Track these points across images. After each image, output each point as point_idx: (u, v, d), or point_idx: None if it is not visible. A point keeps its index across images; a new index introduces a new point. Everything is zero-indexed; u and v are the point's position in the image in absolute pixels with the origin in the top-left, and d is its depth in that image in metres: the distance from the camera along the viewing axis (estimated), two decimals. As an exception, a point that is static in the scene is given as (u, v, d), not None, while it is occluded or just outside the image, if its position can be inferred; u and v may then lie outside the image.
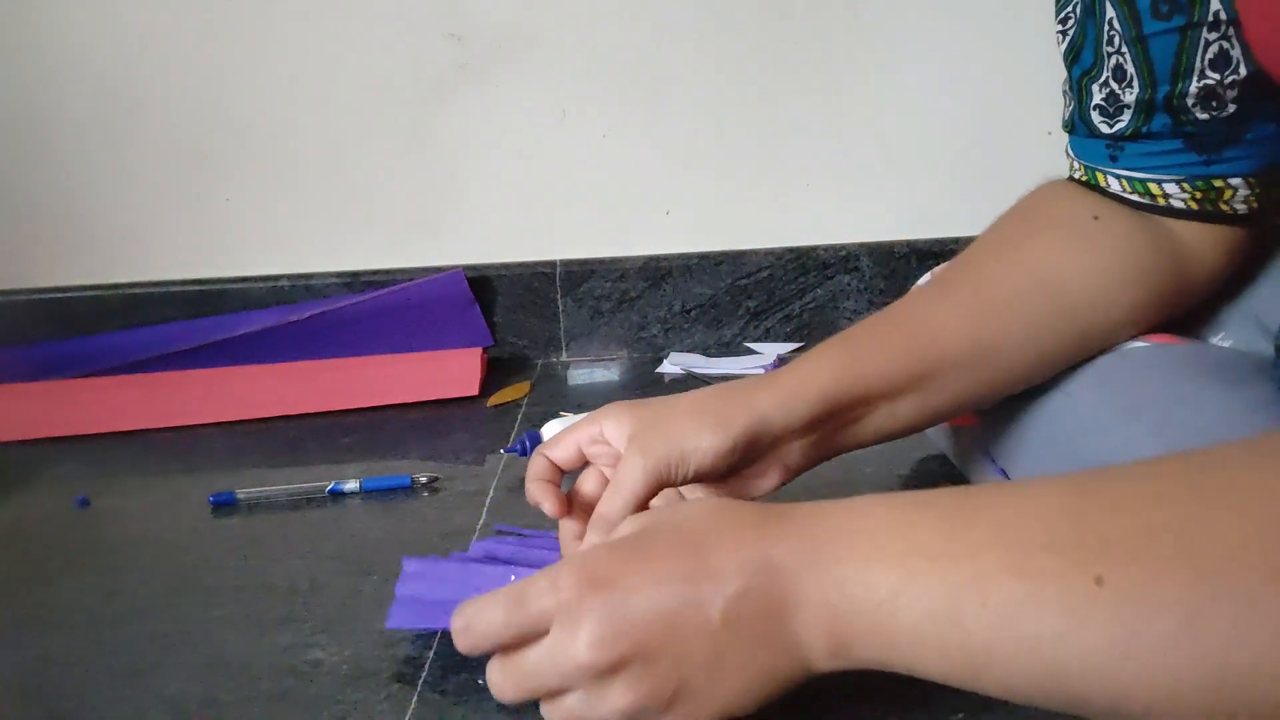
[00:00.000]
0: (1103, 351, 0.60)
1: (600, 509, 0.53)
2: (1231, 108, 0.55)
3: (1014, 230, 0.62)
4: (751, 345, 1.10)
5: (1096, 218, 0.60)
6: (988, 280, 0.60)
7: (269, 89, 1.06)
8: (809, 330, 1.11)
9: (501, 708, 0.53)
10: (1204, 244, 0.60)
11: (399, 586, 0.59)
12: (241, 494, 0.79)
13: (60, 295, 1.11)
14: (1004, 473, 0.62)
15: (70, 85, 1.06)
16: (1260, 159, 0.58)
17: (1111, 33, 0.56)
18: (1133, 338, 0.60)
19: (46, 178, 1.09)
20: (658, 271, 1.09)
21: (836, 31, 1.05)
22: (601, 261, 1.09)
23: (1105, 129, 0.59)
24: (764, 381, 0.56)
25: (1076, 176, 0.63)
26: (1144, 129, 0.58)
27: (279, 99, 1.07)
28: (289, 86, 1.06)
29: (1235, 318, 0.63)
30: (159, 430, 0.96)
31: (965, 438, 0.67)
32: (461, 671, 0.57)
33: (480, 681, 0.56)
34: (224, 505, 0.79)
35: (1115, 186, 0.61)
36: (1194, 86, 0.55)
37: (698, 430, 0.53)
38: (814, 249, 1.09)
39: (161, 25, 1.05)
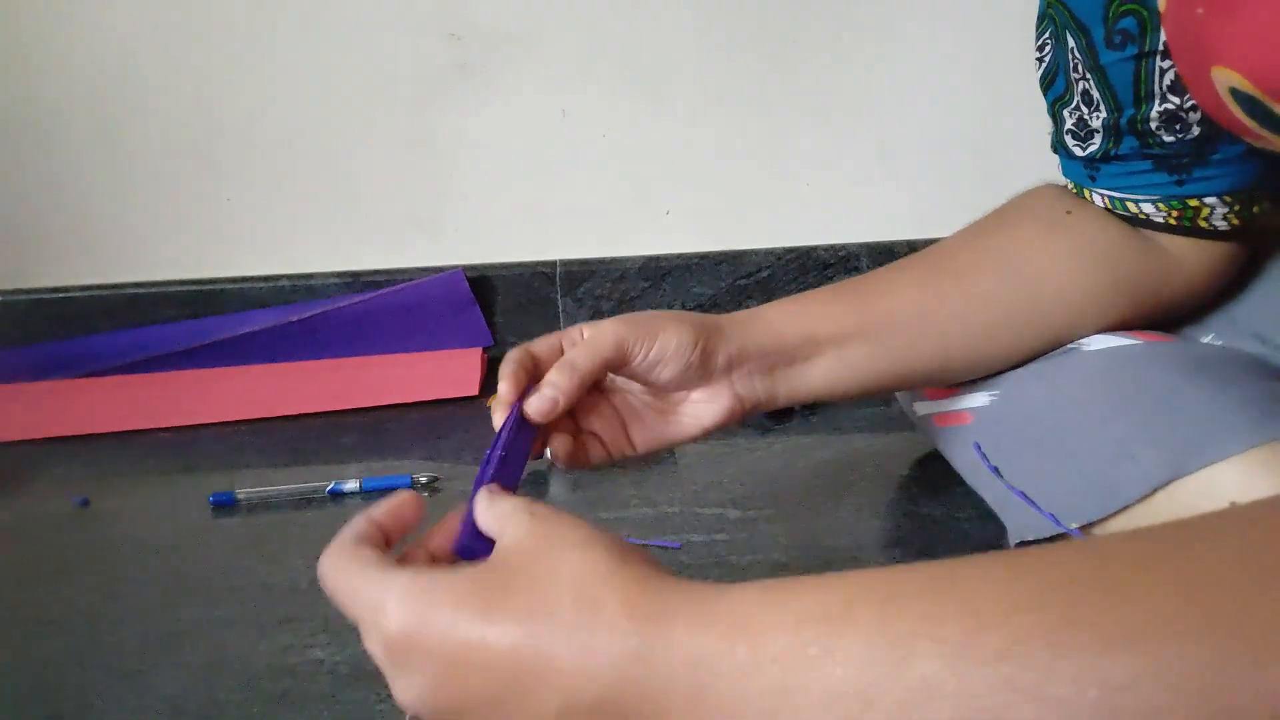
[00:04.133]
0: (1069, 342, 0.61)
1: (569, 355, 0.55)
2: (1196, 130, 0.57)
3: (988, 221, 0.64)
4: (751, 345, 1.10)
5: (1069, 213, 0.61)
6: (946, 255, 0.62)
7: (269, 89, 1.06)
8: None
9: (501, 708, 0.53)
10: (1187, 254, 0.61)
11: None
12: (241, 494, 0.79)
13: (60, 295, 1.11)
14: (996, 470, 0.62)
15: (70, 85, 1.06)
16: (1231, 178, 0.59)
17: (1075, 60, 0.58)
18: (1106, 330, 0.61)
19: (46, 178, 1.09)
20: (658, 271, 1.09)
21: (836, 31, 1.05)
22: (601, 261, 1.09)
23: (1079, 151, 0.61)
24: (727, 316, 0.59)
25: (1069, 187, 0.65)
26: (1114, 151, 0.59)
27: (279, 99, 1.07)
28: (289, 86, 1.06)
29: (1220, 322, 0.64)
30: (159, 430, 0.96)
31: (959, 435, 0.67)
32: (461, 671, 0.57)
33: (480, 681, 0.56)
34: (224, 505, 0.79)
35: (1099, 202, 0.62)
36: (1155, 110, 0.56)
37: (667, 322, 0.56)
38: (814, 249, 1.09)
39: (161, 25, 1.05)
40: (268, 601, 0.65)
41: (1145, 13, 0.54)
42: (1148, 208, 0.60)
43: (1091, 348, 0.61)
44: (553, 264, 1.10)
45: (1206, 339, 0.64)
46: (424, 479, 0.80)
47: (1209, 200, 0.59)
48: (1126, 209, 0.61)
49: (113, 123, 1.07)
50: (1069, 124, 0.61)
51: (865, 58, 1.05)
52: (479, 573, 0.37)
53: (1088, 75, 0.58)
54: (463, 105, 1.07)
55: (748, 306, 1.08)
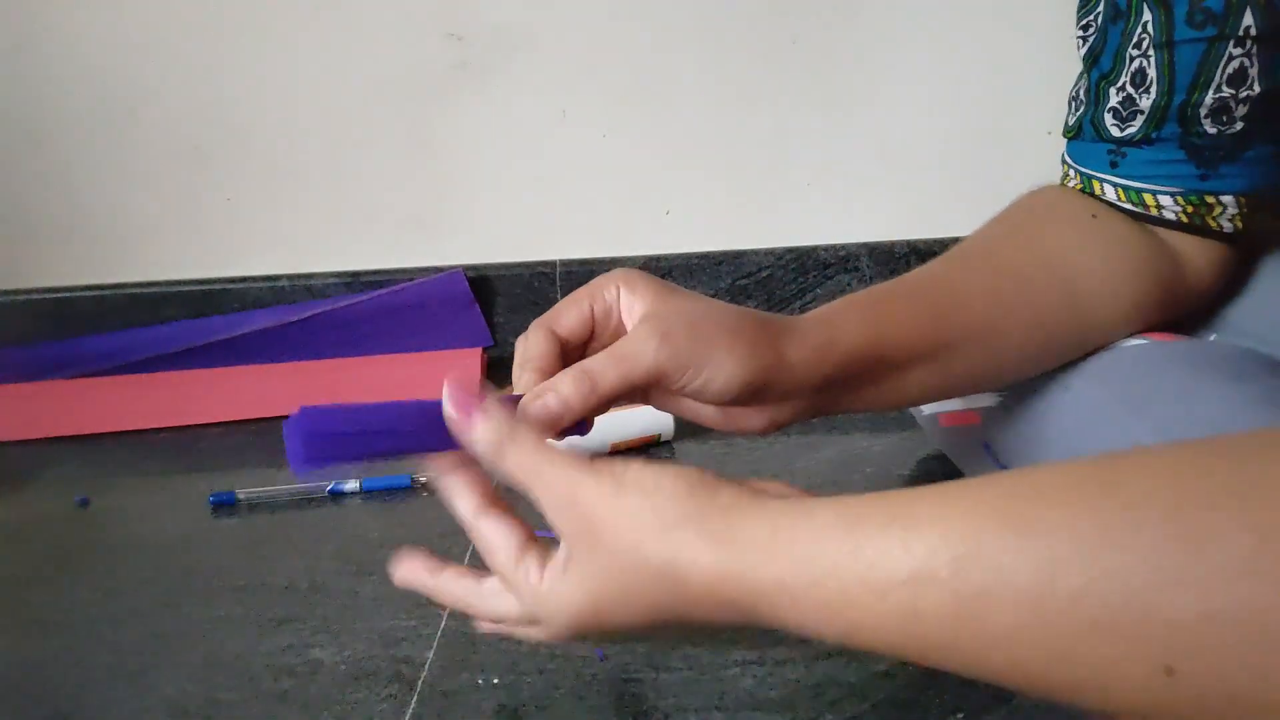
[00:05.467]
0: (1100, 348, 0.60)
1: (593, 366, 0.47)
2: (1239, 124, 0.57)
3: (1023, 220, 0.62)
4: (751, 345, 1.10)
5: (1095, 216, 0.61)
6: (1004, 259, 0.59)
7: (269, 89, 1.06)
8: (809, 330, 1.10)
9: (500, 708, 0.53)
10: (1195, 255, 0.61)
11: (288, 426, 0.45)
12: (241, 494, 0.79)
13: (60, 295, 1.11)
14: (1005, 469, 0.62)
15: (70, 85, 1.06)
16: (1253, 179, 0.59)
17: (1142, 35, 0.57)
18: (1130, 335, 0.61)
19: (46, 178, 1.09)
20: (658, 271, 1.09)
21: (836, 31, 1.05)
22: (601, 261, 1.09)
23: (1116, 131, 0.60)
24: (793, 328, 0.51)
25: (1071, 184, 0.64)
26: (1153, 134, 0.58)
27: (279, 99, 1.07)
28: (289, 86, 1.06)
29: (1220, 326, 0.64)
30: (159, 430, 0.96)
31: (965, 435, 0.67)
32: (462, 671, 0.57)
33: (480, 681, 0.56)
34: (224, 505, 0.79)
35: (1110, 194, 0.61)
36: (1209, 98, 0.56)
37: (728, 351, 0.48)
38: (814, 249, 1.09)
39: (162, 25, 1.05)
40: (268, 601, 0.65)
41: None
42: (1164, 200, 0.59)
43: None
44: (553, 264, 1.10)
45: (1211, 339, 0.64)
46: (424, 479, 0.80)
47: (1225, 199, 0.59)
48: (1142, 200, 0.60)
49: (113, 122, 1.07)
50: (1113, 102, 0.59)
51: (865, 58, 1.05)
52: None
53: (1150, 52, 0.57)
54: (463, 105, 1.07)
55: (748, 306, 1.10)
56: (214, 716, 0.54)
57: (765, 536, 0.37)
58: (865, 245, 1.09)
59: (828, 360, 0.51)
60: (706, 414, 0.52)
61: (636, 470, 0.40)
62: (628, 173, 1.09)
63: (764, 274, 1.09)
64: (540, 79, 1.06)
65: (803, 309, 1.10)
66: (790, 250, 1.09)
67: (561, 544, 0.42)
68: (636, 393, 0.48)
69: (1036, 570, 0.31)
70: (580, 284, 1.01)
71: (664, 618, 0.40)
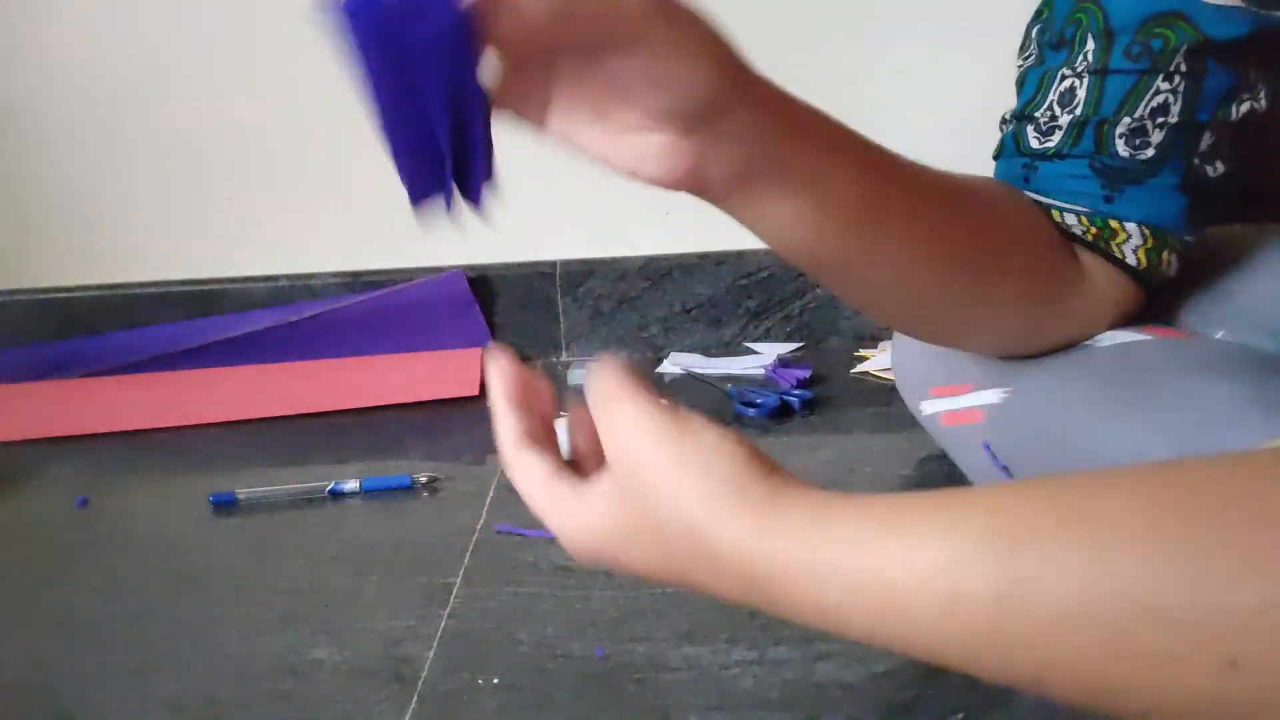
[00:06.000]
0: (1094, 341, 0.61)
1: None
2: (1151, 151, 0.58)
3: (976, 179, 0.64)
4: (751, 345, 1.10)
5: (1026, 197, 0.62)
6: (944, 178, 0.61)
7: (269, 89, 1.06)
8: (809, 330, 1.11)
9: (500, 708, 0.54)
10: (1098, 275, 0.61)
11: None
12: (241, 494, 0.79)
13: (60, 295, 1.11)
14: (1005, 469, 0.62)
15: (70, 85, 1.06)
16: (1153, 208, 0.60)
17: (1080, 61, 0.60)
18: (1010, 326, 0.61)
19: (47, 178, 1.09)
20: (658, 271, 1.09)
21: (836, 31, 1.05)
22: (601, 261, 1.09)
23: (1035, 144, 0.62)
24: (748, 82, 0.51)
25: None
26: (1066, 150, 0.60)
27: (279, 99, 1.07)
28: (289, 86, 1.06)
29: (1232, 318, 0.64)
30: (159, 430, 0.96)
31: (967, 435, 0.67)
32: (462, 671, 0.57)
33: (480, 681, 0.56)
34: (224, 505, 0.79)
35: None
36: (1129, 119, 0.58)
37: (689, 48, 0.47)
38: (814, 249, 1.09)
39: (162, 25, 1.05)
40: (268, 601, 0.65)
41: (1173, 39, 0.56)
42: (1070, 218, 0.61)
43: (1104, 344, 0.61)
44: (553, 264, 1.10)
45: (1218, 335, 0.64)
46: (424, 479, 0.80)
47: (1129, 226, 0.60)
48: (1050, 215, 0.61)
49: (113, 123, 1.07)
50: (1039, 119, 0.62)
51: (865, 57, 1.05)
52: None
53: (1084, 75, 0.59)
54: (463, 105, 1.07)
55: (748, 307, 1.10)
56: (214, 716, 0.54)
57: (805, 518, 0.36)
58: (865, 245, 1.09)
59: (780, 125, 0.52)
60: (620, 132, 0.48)
61: (700, 424, 0.40)
62: (628, 173, 1.09)
63: (764, 274, 1.09)
64: (540, 79, 1.06)
65: (802, 309, 1.10)
66: (790, 250, 1.09)
67: (604, 470, 0.42)
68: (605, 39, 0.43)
69: (1088, 556, 0.30)
70: (580, 284, 1.03)
71: (677, 571, 0.40)
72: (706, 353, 1.10)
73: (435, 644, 0.59)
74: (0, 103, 1.07)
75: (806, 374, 0.99)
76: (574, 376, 1.07)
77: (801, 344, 1.10)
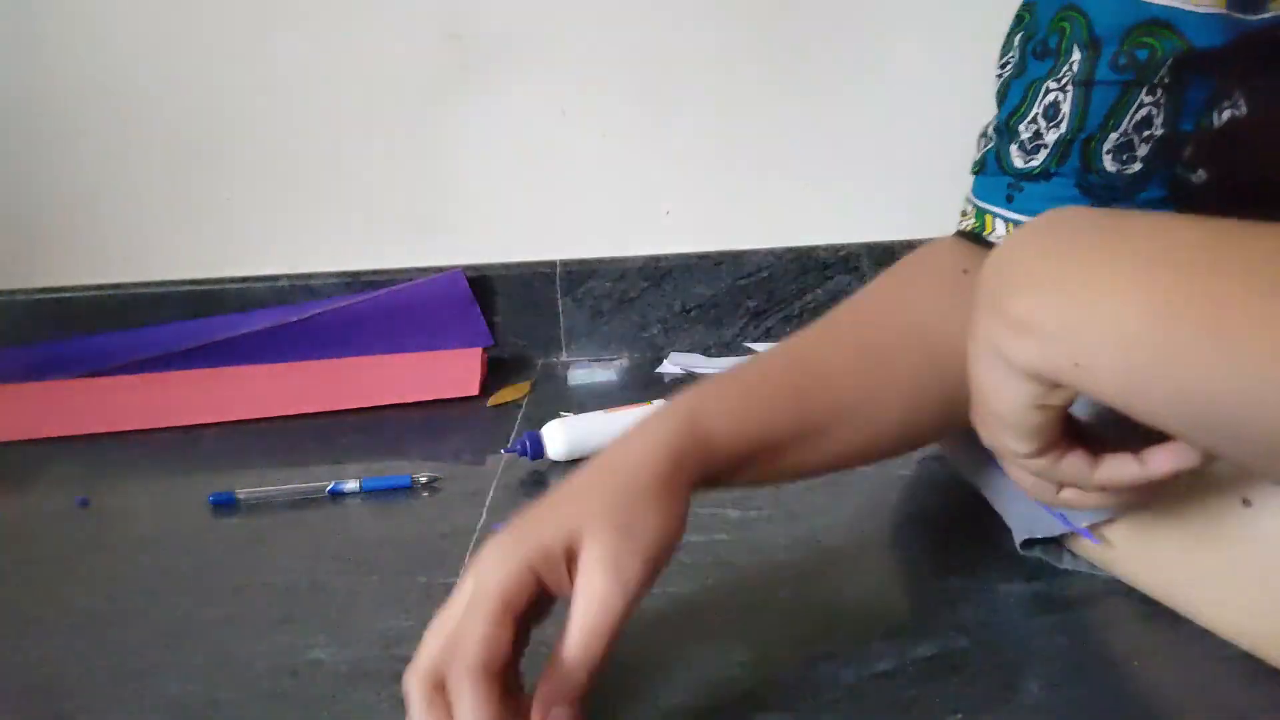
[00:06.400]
0: None
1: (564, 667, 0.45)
2: (1138, 165, 0.58)
3: (895, 280, 0.64)
4: (751, 345, 1.10)
5: (966, 271, 0.61)
6: (871, 334, 0.60)
7: (269, 89, 1.06)
8: (809, 330, 1.11)
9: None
10: None
11: None
12: (241, 494, 0.79)
13: (60, 295, 1.11)
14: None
15: (70, 85, 1.06)
16: None
17: (1065, 73, 0.59)
18: None
19: (47, 177, 1.09)
20: (658, 271, 1.09)
21: (836, 31, 1.05)
22: (601, 261, 1.09)
23: (1019, 163, 0.61)
24: (673, 481, 0.50)
25: (964, 228, 0.65)
26: (1053, 169, 0.60)
27: (279, 99, 1.07)
28: (289, 86, 1.06)
29: None
30: (159, 430, 0.96)
31: (964, 433, 0.67)
32: (461, 671, 0.57)
33: (480, 681, 0.56)
34: (224, 505, 0.79)
35: (1000, 231, 0.62)
36: (1115, 136, 0.58)
37: (638, 569, 0.47)
38: (814, 249, 1.09)
39: (162, 25, 1.05)
40: (268, 601, 0.65)
41: (1160, 50, 0.55)
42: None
43: None
44: (553, 264, 1.10)
45: None
46: (424, 479, 0.80)
47: None
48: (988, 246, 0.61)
49: (113, 122, 1.07)
50: (1022, 135, 0.61)
51: (865, 57, 1.05)
52: None
53: (1069, 88, 0.59)
54: (463, 105, 1.07)
55: (748, 307, 1.10)
56: (214, 716, 0.54)
57: None
58: (865, 245, 1.09)
59: (709, 479, 0.52)
60: None
61: None
62: (628, 173, 1.09)
63: (764, 274, 1.09)
64: (540, 79, 1.06)
65: (802, 309, 1.10)
66: (790, 250, 1.09)
67: None
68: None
69: None
70: (580, 284, 1.03)
71: None
72: (706, 353, 1.10)
73: (435, 644, 0.59)
74: (1, 102, 1.07)
75: (806, 374, 0.99)
76: (574, 376, 1.07)
77: (801, 344, 1.10)
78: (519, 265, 1.10)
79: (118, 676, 0.58)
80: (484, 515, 0.75)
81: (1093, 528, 0.57)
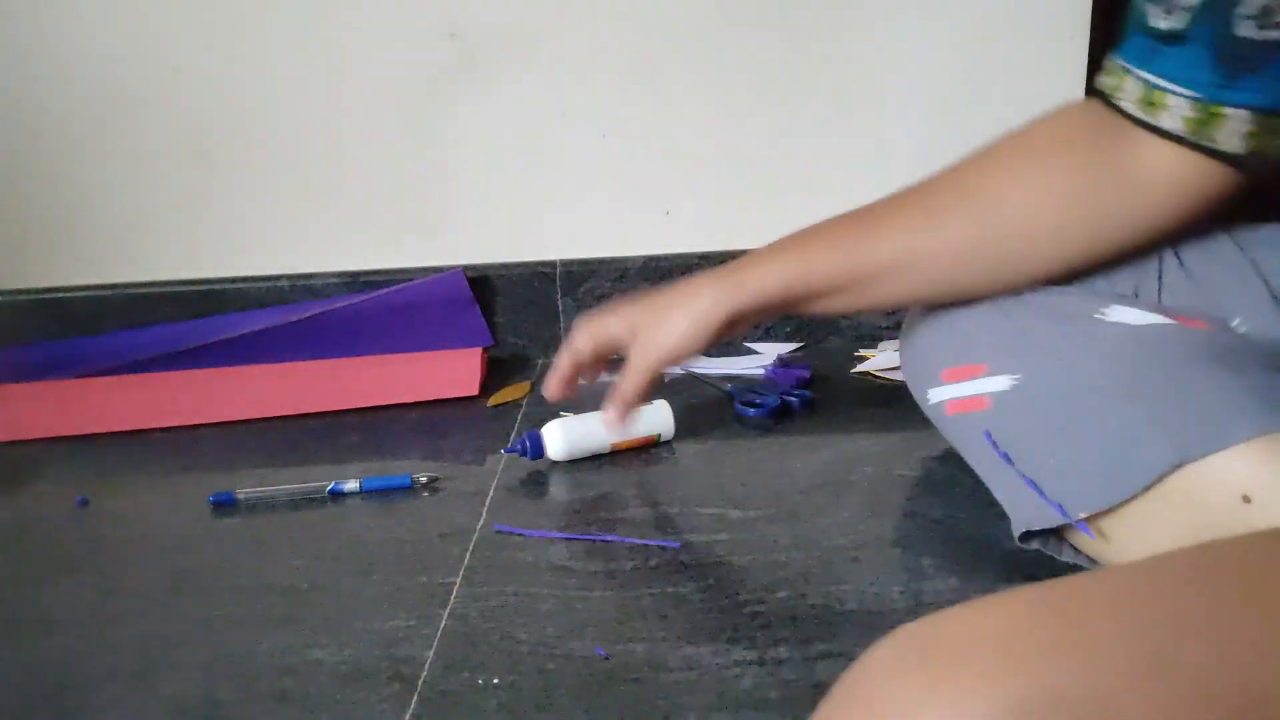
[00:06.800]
0: (1104, 315, 0.62)
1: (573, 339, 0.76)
2: (1277, 33, 0.56)
3: (984, 155, 0.69)
4: (751, 345, 1.10)
5: (1060, 141, 0.65)
6: (931, 197, 0.69)
7: (269, 89, 1.06)
8: (809, 330, 1.11)
9: (500, 708, 0.54)
10: (1170, 177, 0.62)
11: None
12: (241, 494, 0.79)
13: (60, 295, 1.11)
14: (1007, 457, 0.62)
15: (70, 85, 1.06)
16: (1271, 95, 0.58)
17: None
18: (1065, 263, 0.66)
19: (46, 178, 1.09)
20: (658, 271, 1.09)
21: (836, 31, 1.05)
22: (601, 261, 1.09)
23: (1160, 24, 0.60)
24: (733, 282, 0.73)
25: (1100, 86, 0.65)
26: (1189, 33, 0.58)
27: (279, 99, 1.07)
28: (289, 86, 1.06)
29: (1249, 297, 0.64)
30: (159, 430, 0.96)
31: (971, 423, 0.67)
32: (462, 671, 0.57)
33: (480, 681, 0.56)
34: (224, 505, 0.79)
35: (1131, 91, 0.62)
36: (1253, 1, 0.56)
37: (678, 320, 0.74)
38: (814, 249, 1.09)
39: (162, 25, 1.05)
40: (268, 601, 0.65)
41: None
42: (1173, 101, 0.60)
43: (1111, 319, 0.61)
44: (553, 264, 1.10)
45: (1234, 322, 0.64)
46: (424, 479, 0.80)
47: (1240, 112, 0.58)
48: (1152, 100, 0.61)
49: (113, 122, 1.07)
50: None
51: (865, 58, 1.05)
52: None
53: None
54: (463, 105, 1.07)
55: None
56: (214, 716, 0.54)
57: None
58: (865, 245, 1.09)
59: (763, 298, 0.71)
60: None
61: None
62: (628, 173, 1.09)
63: (764, 274, 1.09)
64: (540, 79, 1.06)
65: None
66: (790, 250, 1.09)
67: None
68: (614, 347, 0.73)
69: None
70: (580, 284, 1.07)
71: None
72: (706, 353, 1.10)
73: (435, 644, 0.59)
74: (0, 103, 1.07)
75: (806, 374, 0.99)
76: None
77: (801, 344, 1.10)
78: (519, 265, 1.10)
79: (117, 676, 0.58)
80: (484, 515, 0.75)
81: (1090, 518, 0.57)
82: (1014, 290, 0.67)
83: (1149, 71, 0.61)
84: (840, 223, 0.72)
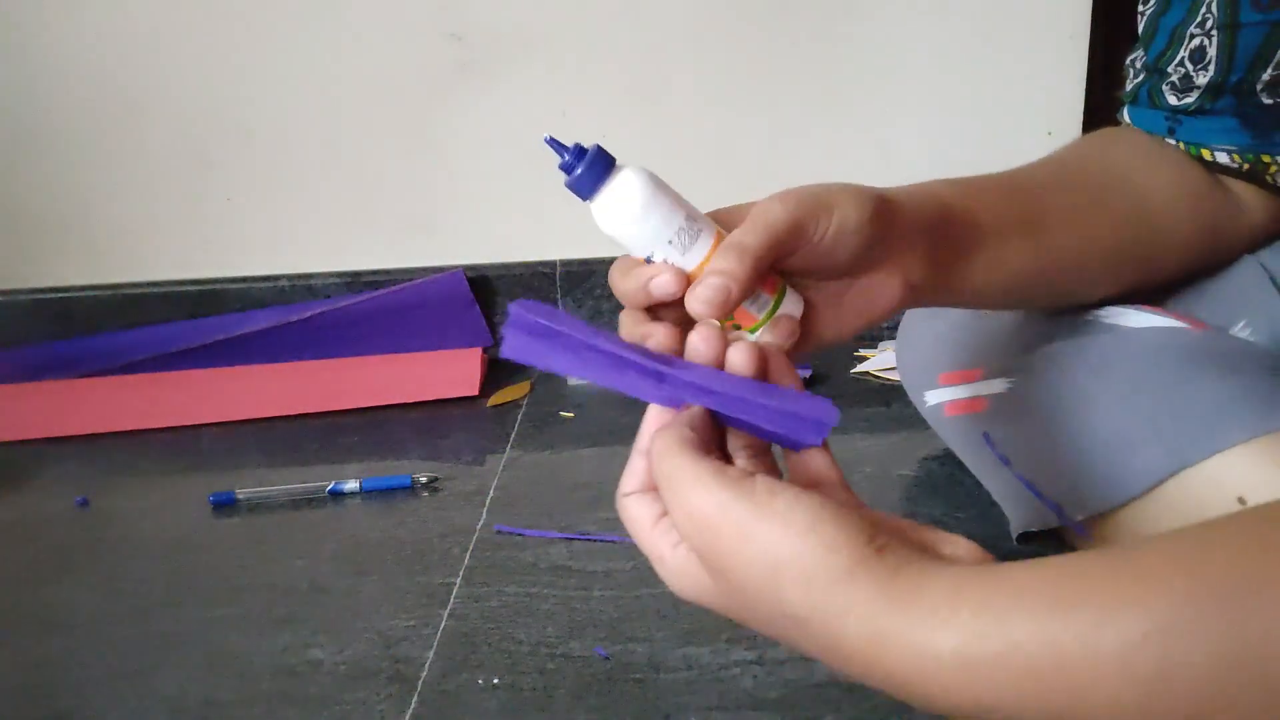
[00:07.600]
0: (1098, 317, 0.62)
1: (735, 237, 0.46)
2: None
3: (1090, 145, 0.65)
4: (751, 345, 1.10)
5: (1159, 145, 0.63)
6: (1078, 174, 0.61)
7: (270, 89, 1.06)
8: (809, 330, 1.11)
9: (500, 708, 0.53)
10: (1252, 199, 0.63)
11: (507, 327, 0.44)
12: (241, 494, 0.79)
13: (60, 295, 1.11)
14: (1005, 459, 0.62)
15: (70, 85, 1.06)
16: None
17: (1206, 15, 0.59)
18: (1186, 264, 0.63)
19: (46, 178, 1.09)
20: (658, 271, 1.09)
21: (836, 32, 1.05)
22: (602, 261, 1.09)
23: (1173, 100, 0.62)
24: (890, 190, 0.52)
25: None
26: (1208, 106, 0.60)
27: (280, 99, 1.07)
28: (290, 87, 1.06)
29: (1258, 300, 0.64)
30: (159, 430, 0.96)
31: (969, 424, 0.67)
32: (461, 671, 0.57)
33: (480, 681, 0.56)
34: (224, 505, 0.79)
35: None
36: (1267, 74, 0.58)
37: (839, 195, 0.48)
38: (814, 249, 1.09)
39: (162, 26, 1.05)
40: (268, 601, 0.65)
41: None
42: (1221, 156, 0.62)
43: (1108, 321, 0.62)
44: (553, 264, 1.10)
45: (1239, 325, 0.64)
46: (424, 479, 0.80)
47: (1278, 158, 0.60)
48: (1200, 155, 0.62)
49: (113, 123, 1.07)
50: (1173, 77, 0.61)
51: (865, 58, 1.05)
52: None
53: (1213, 32, 0.58)
54: (463, 105, 1.07)
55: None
56: (214, 716, 0.54)
57: (944, 602, 0.32)
58: (865, 245, 1.09)
59: (926, 199, 0.52)
60: (846, 287, 0.51)
61: (783, 504, 0.36)
62: (628, 173, 1.09)
63: (764, 274, 1.09)
64: (540, 79, 1.06)
65: (803, 309, 1.10)
66: (790, 250, 1.09)
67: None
68: (782, 254, 0.47)
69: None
70: (580, 284, 1.04)
71: (791, 643, 0.36)
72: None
73: (435, 644, 0.59)
74: (0, 103, 1.07)
75: (806, 374, 0.99)
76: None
77: (801, 344, 1.10)
78: (519, 265, 1.10)
79: (117, 676, 0.58)
80: (484, 515, 0.75)
81: (1087, 520, 0.57)
82: (1122, 292, 0.63)
83: (1178, 140, 0.63)
84: (998, 174, 0.60)
